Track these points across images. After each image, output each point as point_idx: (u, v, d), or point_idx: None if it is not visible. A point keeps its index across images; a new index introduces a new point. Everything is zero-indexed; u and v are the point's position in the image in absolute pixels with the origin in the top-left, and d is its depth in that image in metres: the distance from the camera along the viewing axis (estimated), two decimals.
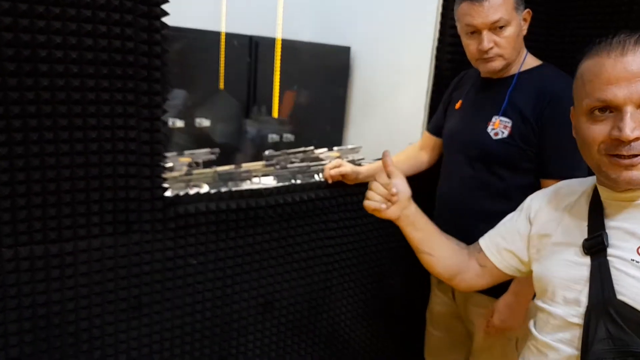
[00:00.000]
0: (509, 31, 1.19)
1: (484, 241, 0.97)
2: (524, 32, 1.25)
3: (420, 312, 1.63)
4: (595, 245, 0.75)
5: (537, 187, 1.24)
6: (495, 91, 1.29)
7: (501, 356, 1.36)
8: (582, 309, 0.75)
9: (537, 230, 0.88)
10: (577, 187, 0.87)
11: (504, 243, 0.93)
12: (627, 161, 0.71)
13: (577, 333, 0.75)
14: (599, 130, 0.73)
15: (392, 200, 0.92)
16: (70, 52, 0.91)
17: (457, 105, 1.39)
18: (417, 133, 2.25)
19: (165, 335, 1.18)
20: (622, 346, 0.69)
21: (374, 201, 0.93)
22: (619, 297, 0.70)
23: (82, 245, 1.02)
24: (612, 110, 0.71)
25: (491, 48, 1.20)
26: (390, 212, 0.93)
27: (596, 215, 0.78)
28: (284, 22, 2.44)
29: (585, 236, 0.77)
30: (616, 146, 0.71)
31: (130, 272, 1.09)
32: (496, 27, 1.18)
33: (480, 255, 0.96)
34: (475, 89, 1.37)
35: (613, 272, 0.72)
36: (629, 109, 0.69)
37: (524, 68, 1.27)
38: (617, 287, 0.71)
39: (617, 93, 0.70)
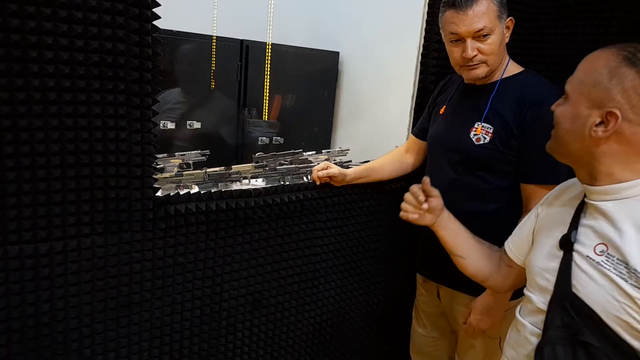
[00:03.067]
0: (493, 39, 1.22)
1: (507, 242, 1.03)
2: (507, 39, 1.28)
3: (406, 310, 1.66)
4: (566, 241, 0.82)
5: (518, 189, 1.28)
6: (478, 97, 1.32)
7: (485, 354, 1.39)
8: (549, 297, 0.83)
9: (539, 224, 0.94)
10: (580, 186, 0.90)
11: (520, 241, 0.99)
12: None
13: (543, 317, 0.84)
14: None
15: (422, 208, 1.03)
16: (61, 53, 0.91)
17: (441, 111, 1.42)
18: (402, 136, 2.29)
19: (154, 333, 1.19)
20: (572, 334, 0.77)
21: (407, 212, 1.05)
22: (573, 290, 0.78)
23: (72, 244, 1.02)
24: None
25: (475, 56, 1.22)
26: (425, 219, 1.05)
27: (578, 213, 0.84)
28: (275, 27, 2.46)
29: (565, 232, 0.84)
30: None
31: (120, 271, 1.09)
32: (480, 36, 1.20)
33: (505, 256, 1.02)
34: (458, 94, 1.40)
35: (573, 267, 0.79)
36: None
37: (505, 75, 1.30)
38: (573, 281, 0.79)
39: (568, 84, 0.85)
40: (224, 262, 1.26)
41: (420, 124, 1.55)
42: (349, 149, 2.02)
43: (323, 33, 2.95)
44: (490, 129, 1.27)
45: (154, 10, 1.01)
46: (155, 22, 1.01)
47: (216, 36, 2.41)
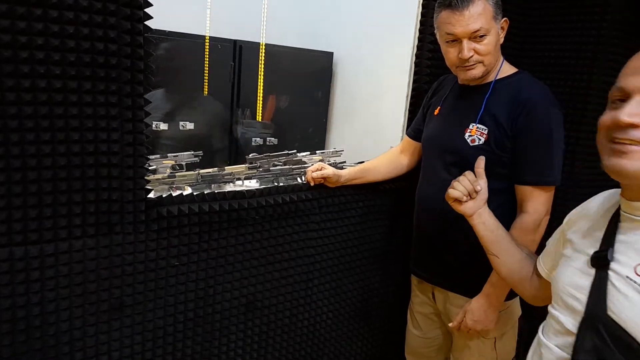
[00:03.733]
0: (489, 40, 1.22)
1: (540, 255, 0.99)
2: (501, 40, 1.29)
3: (400, 311, 1.66)
4: (601, 259, 0.75)
5: (513, 190, 1.28)
6: (472, 98, 1.32)
7: (480, 355, 1.40)
8: (579, 318, 0.75)
9: (567, 237, 0.89)
10: (612, 198, 0.84)
11: (548, 253, 0.95)
12: (618, 146, 0.68)
13: (572, 340, 0.76)
14: (607, 116, 0.71)
15: (472, 196, 1.01)
16: (52, 54, 0.90)
17: (436, 112, 1.43)
18: (397, 137, 2.30)
19: (147, 336, 1.18)
20: None
21: (457, 191, 1.01)
22: (609, 312, 0.70)
23: (63, 246, 1.01)
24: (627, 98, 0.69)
25: (471, 56, 1.23)
26: (467, 207, 1.02)
27: (612, 228, 0.77)
28: (269, 27, 2.45)
29: (597, 247, 0.77)
30: (614, 130, 0.69)
31: (112, 273, 1.08)
32: (476, 36, 1.21)
33: (536, 268, 0.98)
34: (453, 95, 1.40)
35: (609, 287, 0.72)
36: (637, 97, 0.68)
37: (500, 76, 1.30)
38: (609, 302, 0.71)
39: (632, 81, 0.68)
40: (217, 264, 1.25)
41: (415, 125, 1.55)
42: (343, 150, 2.02)
43: (317, 33, 2.95)
44: (485, 130, 1.27)
45: (146, 10, 1.00)
46: (147, 22, 1.01)
47: (209, 36, 2.40)
